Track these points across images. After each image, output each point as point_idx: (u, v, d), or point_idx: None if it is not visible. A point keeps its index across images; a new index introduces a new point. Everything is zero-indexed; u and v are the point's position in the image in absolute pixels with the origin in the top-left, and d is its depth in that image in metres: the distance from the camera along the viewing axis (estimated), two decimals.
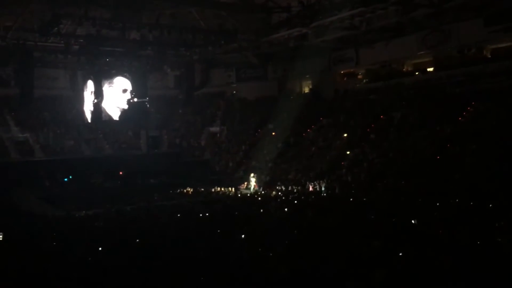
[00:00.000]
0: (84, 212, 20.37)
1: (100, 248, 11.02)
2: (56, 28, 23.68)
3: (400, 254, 9.30)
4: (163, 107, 37.41)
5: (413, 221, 13.05)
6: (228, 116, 38.47)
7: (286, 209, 16.92)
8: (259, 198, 22.56)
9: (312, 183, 25.06)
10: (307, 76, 37.26)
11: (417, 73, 30.59)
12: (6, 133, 30.89)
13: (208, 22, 28.46)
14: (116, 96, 30.21)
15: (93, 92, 29.40)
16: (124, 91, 30.19)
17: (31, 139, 31.64)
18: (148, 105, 31.54)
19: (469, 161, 20.18)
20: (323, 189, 23.84)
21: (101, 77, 29.07)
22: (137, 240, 11.84)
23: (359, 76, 34.97)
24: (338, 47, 31.58)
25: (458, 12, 23.88)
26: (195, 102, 36.40)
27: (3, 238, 12.28)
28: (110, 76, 29.48)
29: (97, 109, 29.57)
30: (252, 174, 28.37)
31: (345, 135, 28.79)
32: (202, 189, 27.75)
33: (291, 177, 27.58)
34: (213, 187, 28.11)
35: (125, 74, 30.09)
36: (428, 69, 30.20)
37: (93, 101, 29.42)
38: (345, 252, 9.46)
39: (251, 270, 8.42)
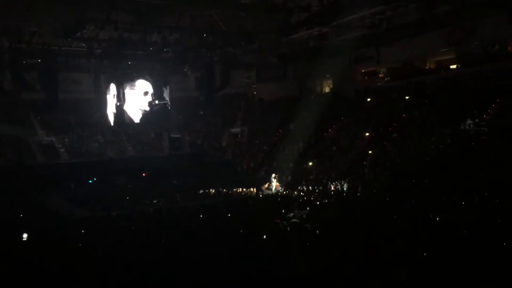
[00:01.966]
0: (108, 212, 20.66)
1: (123, 248, 11.19)
2: (79, 33, 24.09)
3: (424, 254, 9.22)
4: (184, 108, 37.73)
5: (437, 219, 12.93)
6: (249, 117, 38.56)
7: (308, 208, 16.90)
8: (280, 199, 22.58)
9: (334, 183, 24.96)
10: (328, 75, 37.12)
11: (440, 70, 30.15)
12: (32, 136, 31.60)
13: (228, 24, 28.54)
14: (138, 98, 30.56)
15: (115, 95, 29.82)
16: (146, 93, 30.53)
17: (56, 142, 32.29)
18: (169, 107, 31.81)
19: (494, 159, 19.83)
20: (345, 188, 23.73)
21: (123, 80, 29.45)
22: (161, 240, 11.98)
23: (381, 75, 34.68)
24: (358, 46, 31.33)
25: (481, 8, 23.46)
26: (216, 103, 36.59)
27: (28, 237, 12.53)
28: (132, 79, 29.85)
29: (120, 112, 29.97)
30: (273, 175, 28.41)
31: (367, 134, 28.58)
32: (224, 190, 27.90)
33: (312, 177, 27.50)
34: (235, 188, 28.23)
35: (146, 76, 30.42)
36: (451, 67, 29.76)
37: (116, 104, 29.83)
38: (367, 251, 9.41)
39: (273, 269, 8.45)
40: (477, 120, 23.54)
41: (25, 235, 12.48)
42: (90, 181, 30.70)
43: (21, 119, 32.08)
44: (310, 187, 25.74)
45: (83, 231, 14.99)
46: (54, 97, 26.77)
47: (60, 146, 32.26)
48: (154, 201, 25.32)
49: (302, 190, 25.38)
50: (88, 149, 32.81)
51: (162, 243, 11.65)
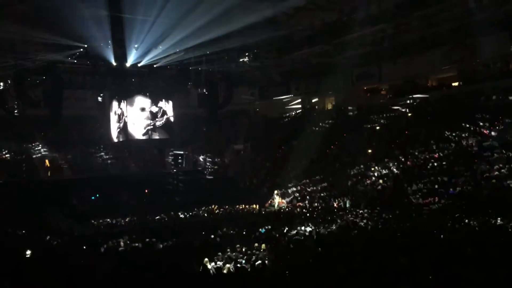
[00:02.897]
0: (110, 229, 20.63)
1: (125, 265, 11.16)
2: (83, 50, 24.35)
3: (428, 271, 9.15)
4: (187, 125, 37.82)
5: (440, 234, 12.88)
6: (252, 134, 38.64)
7: (310, 225, 16.86)
8: (283, 215, 22.52)
9: (337, 200, 24.90)
10: (330, 92, 37.27)
11: (442, 88, 30.24)
12: (35, 152, 31.71)
13: (231, 41, 28.79)
14: (141, 115, 30.73)
15: (119, 112, 29.99)
16: (149, 110, 30.69)
17: (60, 158, 32.37)
18: (172, 124, 31.92)
19: (498, 177, 19.80)
20: (347, 205, 23.66)
21: (126, 97, 29.65)
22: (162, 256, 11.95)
23: (383, 92, 34.81)
24: (361, 63, 31.52)
25: (482, 26, 23.63)
26: (219, 120, 36.71)
27: (31, 254, 12.50)
28: (135, 95, 30.05)
29: (123, 128, 30.12)
30: (276, 191, 28.37)
31: (369, 151, 28.57)
32: (227, 207, 27.84)
33: (315, 194, 27.41)
34: (238, 205, 28.17)
35: (150, 93, 30.61)
36: (453, 84, 29.86)
37: (119, 120, 29.98)
38: (371, 268, 9.35)
39: (274, 286, 8.41)
40: (479, 137, 23.55)
41: (28, 252, 12.44)
42: (93, 198, 30.68)
43: (25, 135, 32.21)
44: (313, 204, 25.66)
45: (84, 248, 14.98)
46: (58, 114, 26.93)
47: (63, 162, 32.31)
48: (157, 218, 25.26)
49: (305, 207, 25.29)
50: (91, 165, 32.84)
51: (165, 259, 11.62)
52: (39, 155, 31.82)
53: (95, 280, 9.49)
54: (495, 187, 19.23)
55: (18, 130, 31.51)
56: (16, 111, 29.70)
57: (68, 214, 26.67)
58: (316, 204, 25.58)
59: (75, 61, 26.04)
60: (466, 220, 15.69)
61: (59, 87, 26.71)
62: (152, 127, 30.60)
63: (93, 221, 25.01)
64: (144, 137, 29.36)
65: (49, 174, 31.20)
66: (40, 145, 32.56)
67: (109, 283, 9.25)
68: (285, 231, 16.48)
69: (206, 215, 26.45)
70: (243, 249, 13.13)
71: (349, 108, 35.57)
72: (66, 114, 29.26)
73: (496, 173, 20.09)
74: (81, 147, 33.87)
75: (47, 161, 32.00)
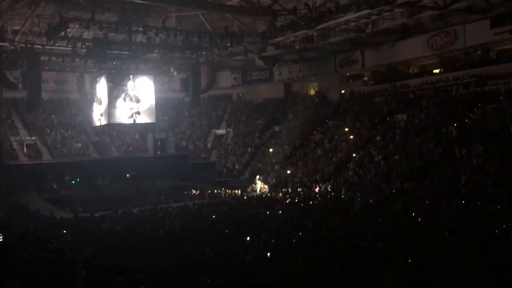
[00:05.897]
0: (91, 214, 20.45)
1: (106, 250, 11.12)
2: (63, 32, 23.84)
3: (406, 256, 9.31)
4: (170, 109, 37.55)
5: (419, 220, 13.10)
6: (234, 119, 38.54)
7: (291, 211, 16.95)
8: (265, 200, 22.60)
9: (318, 185, 25.11)
10: (313, 78, 37.27)
11: (423, 74, 30.49)
12: (14, 136, 31.16)
13: (214, 25, 28.52)
14: (122, 99, 30.30)
15: (99, 95, 29.49)
16: (131, 94, 30.26)
17: (39, 142, 31.89)
18: (154, 108, 31.57)
19: (476, 163, 20.13)
20: (329, 190, 23.87)
21: (107, 80, 29.16)
22: (144, 242, 11.92)
23: (365, 78, 34.96)
24: (344, 49, 31.54)
25: (464, 14, 23.80)
26: (202, 104, 36.45)
27: (5, 238, 12.29)
28: (116, 79, 29.58)
29: (104, 112, 29.66)
30: (258, 176, 28.50)
31: (351, 137, 28.78)
32: (209, 191, 27.86)
33: (297, 179, 27.57)
34: (220, 189, 28.21)
35: (131, 77, 30.14)
36: (434, 71, 30.12)
37: (100, 104, 29.50)
38: (351, 253, 9.48)
39: (256, 272, 8.46)
40: (459, 124, 23.87)
41: (5, 236, 12.27)
42: (73, 182, 30.38)
43: (3, 118, 31.57)
44: (294, 189, 25.81)
45: (64, 233, 14.86)
46: (37, 97, 26.40)
47: (42, 146, 31.83)
48: (138, 203, 25.13)
49: (287, 192, 25.43)
50: (71, 149, 32.44)
51: (147, 245, 11.59)
52: (18, 138, 31.27)
53: (75, 265, 9.44)
54: (473, 174, 19.57)
55: None
56: None
57: (48, 198, 26.41)
58: (297, 189, 25.73)
59: (55, 43, 25.48)
60: (444, 205, 16.00)
61: (38, 69, 26.15)
62: (137, 110, 30.15)
63: (73, 205, 24.80)
64: (129, 121, 28.94)
65: (27, 158, 30.72)
66: (19, 128, 32.01)
67: (89, 268, 9.21)
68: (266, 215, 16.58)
69: (188, 199, 26.39)
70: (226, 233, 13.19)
71: (332, 94, 35.70)
72: (45, 96, 28.76)
73: (475, 160, 20.42)
74: (61, 131, 33.37)
75: (25, 144, 31.48)
